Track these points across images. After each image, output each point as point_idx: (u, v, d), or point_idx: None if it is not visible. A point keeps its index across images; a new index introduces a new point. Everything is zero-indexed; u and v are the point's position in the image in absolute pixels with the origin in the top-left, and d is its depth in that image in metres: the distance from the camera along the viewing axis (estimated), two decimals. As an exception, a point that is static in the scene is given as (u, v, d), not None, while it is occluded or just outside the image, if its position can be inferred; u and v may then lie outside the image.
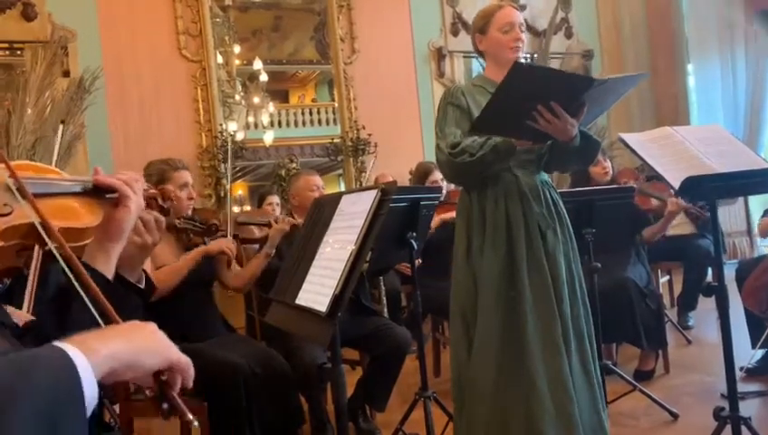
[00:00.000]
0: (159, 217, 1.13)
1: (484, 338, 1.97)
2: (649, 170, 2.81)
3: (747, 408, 2.03)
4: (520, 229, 1.96)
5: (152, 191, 1.13)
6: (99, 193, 1.03)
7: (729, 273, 2.21)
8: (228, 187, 2.30)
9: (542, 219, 1.99)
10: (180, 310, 2.17)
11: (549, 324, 1.91)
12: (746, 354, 2.92)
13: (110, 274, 1.03)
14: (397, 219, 2.17)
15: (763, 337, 2.78)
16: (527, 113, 1.80)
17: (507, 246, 1.96)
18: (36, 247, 0.94)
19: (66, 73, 4.80)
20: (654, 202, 3.68)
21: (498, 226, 1.98)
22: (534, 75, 1.84)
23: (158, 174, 2.34)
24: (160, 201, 1.15)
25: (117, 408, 2.51)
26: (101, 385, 0.66)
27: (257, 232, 2.59)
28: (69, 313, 0.95)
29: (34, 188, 0.92)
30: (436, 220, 3.06)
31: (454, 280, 2.09)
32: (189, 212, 2.38)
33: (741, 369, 2.77)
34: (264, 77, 5.62)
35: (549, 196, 2.04)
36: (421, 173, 3.65)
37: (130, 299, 1.09)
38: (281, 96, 6.48)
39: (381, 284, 3.82)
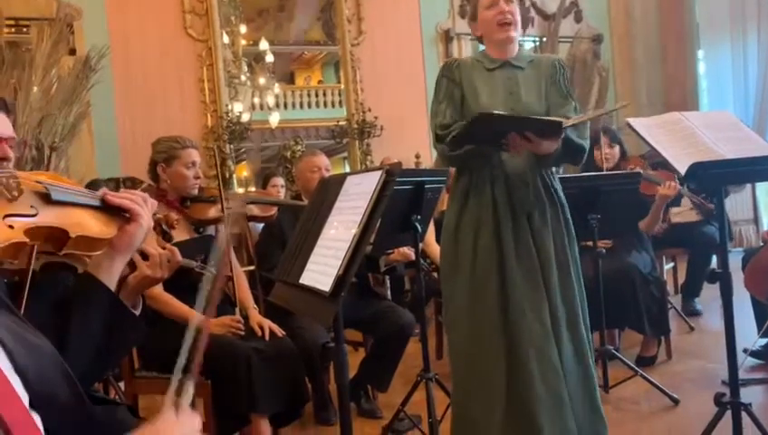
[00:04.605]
0: (174, 257, 1.20)
1: (455, 317, 2.02)
2: (655, 157, 2.78)
3: (748, 395, 2.02)
4: (506, 212, 1.95)
5: (158, 216, 1.23)
6: (114, 209, 1.10)
7: (735, 261, 2.20)
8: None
9: (527, 202, 1.96)
10: (185, 288, 2.17)
11: (539, 310, 1.90)
12: (749, 342, 2.91)
13: (111, 285, 1.09)
14: (401, 202, 2.16)
15: (766, 325, 2.76)
16: (501, 138, 1.82)
17: (493, 228, 1.95)
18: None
19: (72, 51, 4.78)
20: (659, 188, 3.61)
21: (483, 207, 1.97)
22: (499, 122, 1.80)
23: (167, 151, 2.33)
24: (164, 226, 1.22)
25: (122, 385, 2.54)
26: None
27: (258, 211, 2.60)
28: (68, 326, 1.02)
29: (60, 196, 1.01)
30: (444, 200, 3.05)
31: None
32: (195, 191, 2.37)
33: (744, 350, 2.77)
34: (269, 58, 5.59)
35: (538, 178, 1.99)
36: None
37: (130, 319, 1.13)
38: (286, 77, 6.44)
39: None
